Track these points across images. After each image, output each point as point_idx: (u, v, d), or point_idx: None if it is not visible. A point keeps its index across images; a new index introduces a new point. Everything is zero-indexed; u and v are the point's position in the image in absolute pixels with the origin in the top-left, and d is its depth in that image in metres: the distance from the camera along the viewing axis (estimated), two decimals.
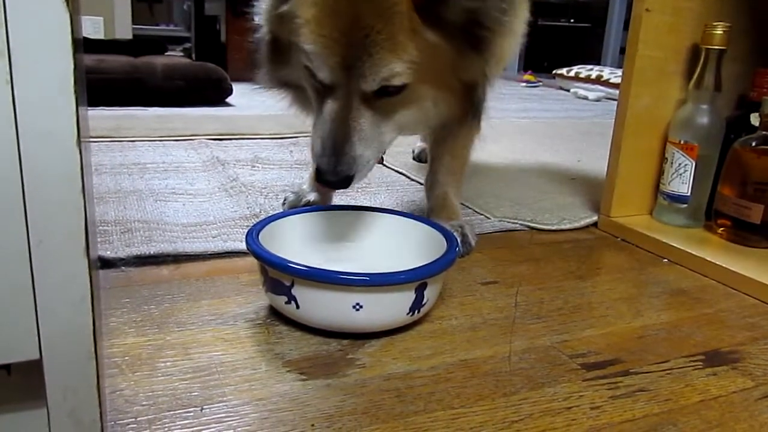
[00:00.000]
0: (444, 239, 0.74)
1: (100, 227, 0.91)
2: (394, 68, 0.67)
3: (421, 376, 0.62)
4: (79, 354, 0.41)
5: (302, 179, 1.10)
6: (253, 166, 1.32)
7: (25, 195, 0.37)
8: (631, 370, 0.66)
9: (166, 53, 2.57)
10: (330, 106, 0.70)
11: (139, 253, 0.82)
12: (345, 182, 0.71)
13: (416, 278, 0.66)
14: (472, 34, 0.71)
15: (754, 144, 0.96)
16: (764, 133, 0.95)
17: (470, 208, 1.14)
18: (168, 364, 0.60)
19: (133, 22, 3.48)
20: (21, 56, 0.35)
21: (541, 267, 0.92)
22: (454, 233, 0.80)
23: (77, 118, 0.37)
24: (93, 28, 3.29)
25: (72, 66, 0.36)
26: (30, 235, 0.37)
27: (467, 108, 0.78)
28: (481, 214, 1.12)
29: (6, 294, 0.38)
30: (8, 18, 0.34)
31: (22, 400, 0.43)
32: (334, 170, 0.70)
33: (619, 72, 1.64)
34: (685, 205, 1.05)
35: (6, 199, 0.36)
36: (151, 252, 0.83)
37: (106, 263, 0.80)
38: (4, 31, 0.34)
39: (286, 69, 0.78)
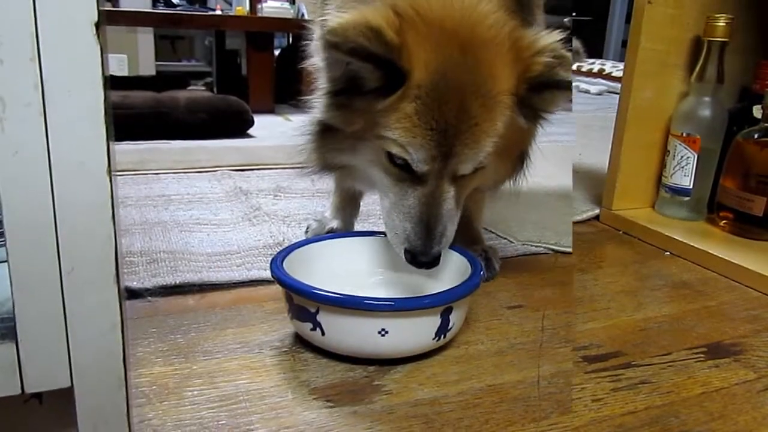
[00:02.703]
0: (468, 264, 0.73)
1: (127, 258, 0.91)
2: (489, 151, 0.68)
3: (449, 402, 0.60)
4: (110, 382, 0.41)
5: (324, 207, 1.09)
6: (276, 196, 1.31)
7: (56, 223, 0.37)
8: (633, 363, 0.66)
9: (188, 87, 2.59)
10: (420, 191, 0.69)
11: (164, 283, 0.82)
12: (437, 260, 0.70)
13: (441, 303, 0.65)
14: (546, 112, 0.73)
15: (756, 136, 0.96)
16: (767, 125, 0.95)
17: (493, 233, 1.10)
18: (195, 393, 0.59)
19: (156, 58, 3.54)
20: (53, 89, 0.35)
21: (559, 289, 0.89)
22: (478, 258, 0.79)
23: (108, 149, 0.38)
24: (118, 65, 3.37)
25: (102, 98, 0.36)
26: (62, 262, 0.38)
27: (518, 168, 0.81)
28: (504, 238, 1.08)
29: (38, 322, 0.38)
30: (41, 52, 0.35)
31: (53, 429, 0.43)
32: (429, 252, 0.69)
33: (621, 65, 1.64)
34: (688, 198, 1.05)
35: (38, 227, 0.37)
36: (177, 282, 0.83)
37: (133, 293, 0.80)
38: (37, 65, 0.35)
39: (341, 155, 0.76)
